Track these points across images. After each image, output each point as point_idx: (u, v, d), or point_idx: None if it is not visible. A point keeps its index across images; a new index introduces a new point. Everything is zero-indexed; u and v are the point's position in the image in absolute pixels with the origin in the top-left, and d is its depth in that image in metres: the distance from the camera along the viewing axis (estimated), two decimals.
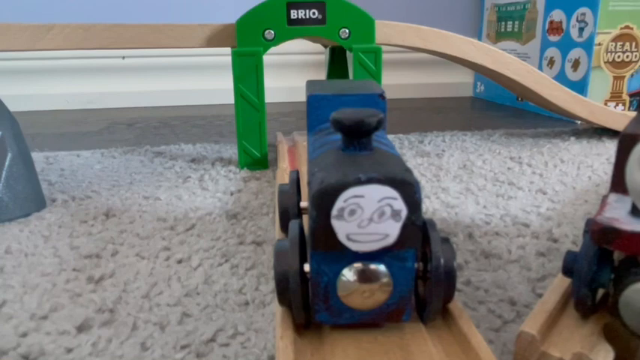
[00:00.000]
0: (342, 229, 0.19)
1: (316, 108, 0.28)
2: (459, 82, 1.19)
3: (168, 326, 0.27)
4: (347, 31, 0.55)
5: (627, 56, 0.81)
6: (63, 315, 0.28)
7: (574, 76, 0.83)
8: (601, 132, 0.73)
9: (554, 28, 0.87)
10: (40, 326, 0.27)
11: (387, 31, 0.56)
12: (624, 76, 0.82)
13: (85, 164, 0.59)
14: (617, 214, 0.20)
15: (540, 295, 0.29)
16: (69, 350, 0.25)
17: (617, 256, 0.22)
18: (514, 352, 0.21)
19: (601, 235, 0.19)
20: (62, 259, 0.34)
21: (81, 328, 0.27)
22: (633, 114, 0.71)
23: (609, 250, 0.21)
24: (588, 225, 0.26)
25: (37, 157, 0.62)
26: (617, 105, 0.83)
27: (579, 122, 0.81)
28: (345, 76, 0.68)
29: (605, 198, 0.23)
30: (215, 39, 0.54)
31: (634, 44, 0.80)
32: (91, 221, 0.41)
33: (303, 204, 0.30)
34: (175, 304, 0.29)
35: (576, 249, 0.34)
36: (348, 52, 0.59)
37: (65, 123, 0.90)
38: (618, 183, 0.22)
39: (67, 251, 0.36)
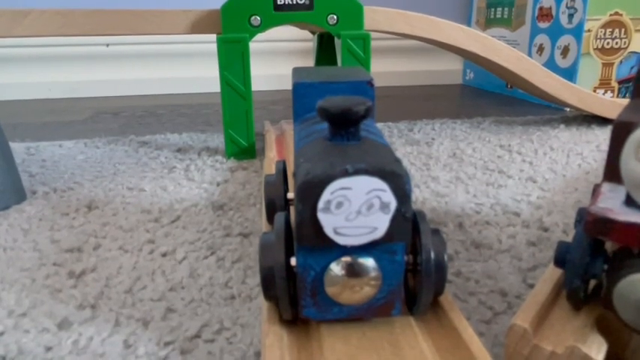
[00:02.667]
0: (328, 222, 0.19)
1: (302, 96, 0.28)
2: (449, 70, 1.18)
3: (151, 322, 0.26)
4: (335, 17, 0.53)
5: (616, 43, 0.80)
6: (42, 312, 0.27)
7: (563, 63, 0.83)
8: (590, 119, 0.72)
9: (544, 14, 0.86)
10: (18, 324, 0.26)
11: (375, 17, 0.55)
12: (613, 63, 0.82)
13: (68, 155, 0.58)
14: (611, 204, 0.19)
15: (531, 286, 0.29)
16: (48, 349, 0.24)
17: (610, 246, 0.22)
18: (505, 346, 0.21)
19: (595, 226, 0.19)
20: (42, 254, 0.33)
21: (61, 326, 0.26)
22: (622, 101, 0.71)
23: (601, 240, 0.20)
24: (580, 215, 0.25)
25: (17, 147, 0.60)
26: (605, 92, 0.83)
27: (568, 109, 0.81)
28: (334, 63, 0.67)
29: (597, 187, 0.22)
30: (200, 25, 0.53)
31: (623, 31, 0.80)
32: (72, 214, 0.40)
33: (290, 195, 0.29)
34: (159, 298, 0.28)
35: (567, 238, 0.34)
36: (336, 39, 0.58)
37: (47, 112, 0.88)
38: (612, 172, 0.21)
39: (47, 245, 0.35)
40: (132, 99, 1.01)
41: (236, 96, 0.54)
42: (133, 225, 0.38)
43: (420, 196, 0.43)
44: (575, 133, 0.65)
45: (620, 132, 0.21)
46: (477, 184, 0.46)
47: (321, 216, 0.18)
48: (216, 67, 0.53)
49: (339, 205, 0.18)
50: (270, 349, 0.19)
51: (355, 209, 0.19)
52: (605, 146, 0.59)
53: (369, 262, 0.19)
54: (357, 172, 0.18)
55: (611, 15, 0.79)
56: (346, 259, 0.19)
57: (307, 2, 0.52)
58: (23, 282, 0.30)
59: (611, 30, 0.79)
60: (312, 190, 0.18)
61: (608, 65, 0.81)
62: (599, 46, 0.80)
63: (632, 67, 0.82)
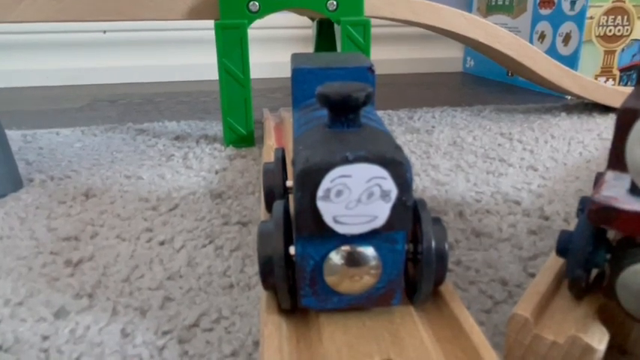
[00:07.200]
0: (328, 210, 0.18)
1: (302, 82, 0.27)
2: (449, 57, 1.17)
3: (149, 311, 0.26)
4: (335, 3, 0.53)
5: (619, 30, 0.80)
6: (39, 300, 0.27)
7: (565, 50, 0.82)
8: (591, 107, 0.72)
9: (546, 1, 0.85)
10: (15, 313, 0.26)
11: (376, 3, 0.54)
12: (615, 51, 0.81)
13: (65, 142, 0.57)
14: (616, 192, 0.19)
15: (532, 275, 0.29)
16: (45, 338, 0.24)
17: (613, 235, 0.22)
18: (506, 335, 0.20)
19: (599, 215, 0.18)
20: (39, 242, 0.33)
21: (58, 314, 0.26)
22: (624, 89, 0.70)
23: (604, 229, 0.20)
24: (583, 203, 0.25)
25: (14, 135, 0.60)
26: (607, 80, 0.82)
27: (569, 97, 0.80)
28: (333, 50, 0.67)
29: (601, 175, 0.22)
30: (197, 11, 0.52)
31: (626, 18, 0.79)
32: (69, 202, 0.40)
33: (289, 183, 0.29)
34: (157, 287, 0.28)
35: (568, 227, 0.34)
36: (336, 26, 0.57)
37: (44, 100, 0.87)
38: (616, 160, 0.21)
39: (44, 233, 0.34)
40: (129, 86, 1.00)
41: (235, 83, 0.53)
42: (131, 213, 0.37)
43: (420, 185, 0.43)
44: (576, 122, 0.64)
45: (625, 119, 0.20)
46: (478, 173, 0.45)
47: (321, 204, 0.18)
48: (215, 55, 0.53)
49: (339, 193, 0.18)
50: (268, 338, 0.19)
51: (355, 197, 0.18)
52: (606, 134, 0.58)
53: (368, 251, 0.19)
54: (357, 159, 0.18)
55: (613, 2, 0.78)
56: (346, 248, 0.19)
57: None
58: (20, 271, 0.30)
59: (613, 17, 0.79)
60: (311, 178, 0.18)
61: (610, 53, 0.81)
62: (602, 34, 0.79)
63: (634, 55, 0.82)
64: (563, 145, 0.54)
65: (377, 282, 0.20)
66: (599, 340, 0.19)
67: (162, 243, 0.33)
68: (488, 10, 1.03)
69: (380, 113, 0.71)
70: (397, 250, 0.20)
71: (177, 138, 0.58)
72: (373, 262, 0.19)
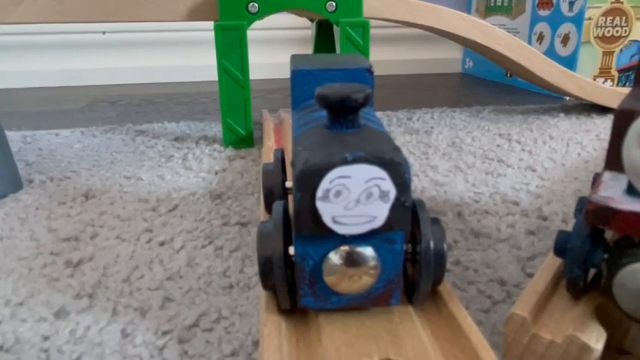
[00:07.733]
0: (327, 211, 0.18)
1: (301, 83, 0.27)
2: (448, 58, 1.18)
3: (149, 311, 0.26)
4: (334, 4, 0.53)
5: (617, 31, 0.80)
6: (40, 301, 0.27)
7: (564, 51, 0.82)
8: (590, 108, 0.72)
9: (545, 2, 0.85)
10: (15, 313, 0.26)
11: (375, 5, 0.55)
12: (614, 52, 0.81)
13: (65, 143, 0.57)
14: (613, 193, 0.19)
15: (530, 275, 0.29)
16: (46, 338, 0.24)
17: (611, 235, 0.22)
18: (504, 335, 0.21)
19: (596, 215, 0.19)
20: (39, 243, 0.33)
21: (58, 315, 0.26)
22: (623, 90, 0.70)
23: (602, 229, 0.20)
24: (581, 204, 0.25)
25: (13, 136, 0.60)
26: (605, 80, 0.82)
27: (568, 98, 0.81)
28: (333, 51, 0.67)
29: (598, 176, 0.22)
30: (197, 12, 0.52)
31: (624, 19, 0.79)
32: (69, 202, 0.40)
33: (289, 184, 0.29)
34: (157, 288, 0.28)
35: (566, 227, 0.34)
36: (335, 27, 0.57)
37: (44, 101, 0.87)
38: (613, 160, 0.21)
39: (44, 234, 0.34)
40: (129, 87, 1.00)
41: (234, 84, 0.53)
42: (131, 214, 0.37)
43: (419, 185, 0.43)
44: (574, 122, 0.64)
45: (622, 120, 0.20)
46: (476, 173, 0.46)
47: (320, 205, 0.18)
48: (215, 56, 0.53)
49: (338, 193, 0.18)
50: (268, 338, 0.19)
51: (354, 198, 0.18)
52: (604, 135, 0.58)
53: (367, 251, 0.19)
54: (356, 160, 0.18)
55: (612, 3, 0.78)
56: (345, 248, 0.19)
57: None
58: (20, 271, 0.30)
59: (612, 18, 0.79)
60: (310, 179, 0.18)
61: (608, 54, 0.81)
62: (600, 35, 0.79)
63: (632, 56, 0.82)
64: (561, 146, 0.54)
65: (376, 282, 0.20)
66: (596, 339, 0.19)
67: (162, 243, 0.33)
68: (487, 11, 1.03)
69: (379, 114, 0.71)
70: (396, 250, 0.20)
71: (176, 139, 0.59)
72: (372, 263, 0.19)
